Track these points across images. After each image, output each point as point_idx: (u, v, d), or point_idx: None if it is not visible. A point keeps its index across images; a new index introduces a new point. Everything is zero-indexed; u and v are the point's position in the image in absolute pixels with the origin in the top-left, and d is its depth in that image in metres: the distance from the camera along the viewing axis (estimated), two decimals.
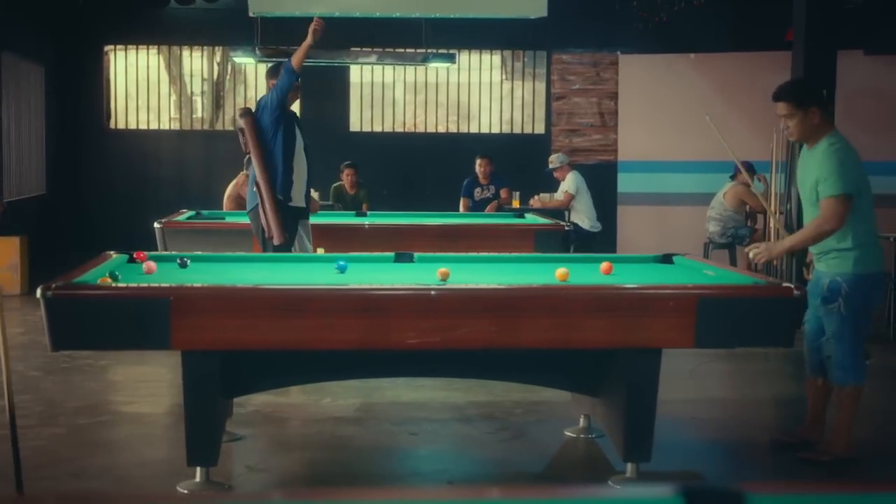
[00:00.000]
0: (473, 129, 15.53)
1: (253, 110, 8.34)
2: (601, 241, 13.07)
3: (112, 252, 6.49)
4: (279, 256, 6.85)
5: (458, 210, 12.96)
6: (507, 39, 14.94)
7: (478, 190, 13.15)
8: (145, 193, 14.70)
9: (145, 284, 5.37)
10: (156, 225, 9.22)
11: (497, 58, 15.46)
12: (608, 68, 15.03)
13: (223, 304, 5.23)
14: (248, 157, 12.73)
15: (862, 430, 6.44)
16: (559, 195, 13.28)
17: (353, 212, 11.13)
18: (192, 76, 15.87)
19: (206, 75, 15.95)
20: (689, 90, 14.45)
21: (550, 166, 13.22)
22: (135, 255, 6.46)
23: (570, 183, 13.27)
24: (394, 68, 14.87)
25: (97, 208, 14.61)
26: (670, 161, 14.58)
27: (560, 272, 5.86)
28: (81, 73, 14.79)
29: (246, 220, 9.84)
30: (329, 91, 15.09)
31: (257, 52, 10.76)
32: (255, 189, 8.23)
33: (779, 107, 6.17)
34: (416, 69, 14.81)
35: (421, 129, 15.54)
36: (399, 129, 15.45)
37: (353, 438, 6.59)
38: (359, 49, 12.07)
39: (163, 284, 5.41)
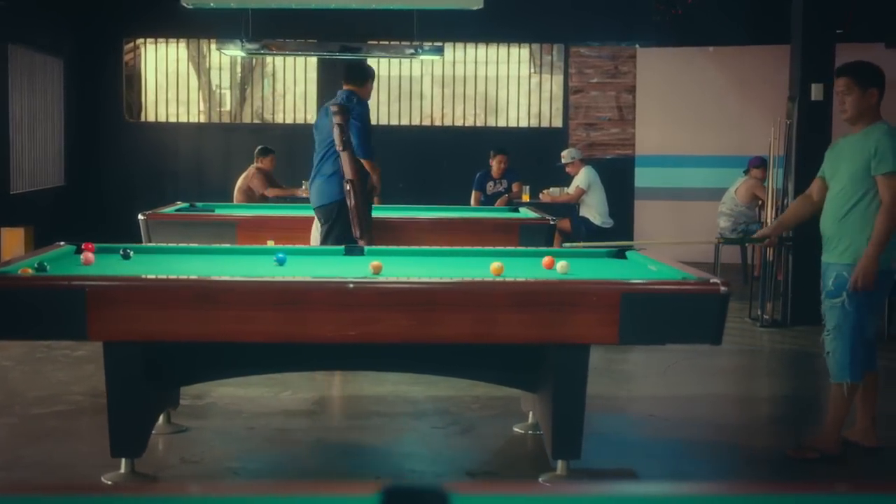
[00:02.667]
0: (490, 123, 15.45)
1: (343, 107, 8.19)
2: (615, 237, 12.92)
3: (62, 242, 6.52)
4: (225, 249, 6.83)
5: (469, 203, 12.89)
6: (524, 33, 14.85)
7: (490, 184, 13.07)
8: (164, 185, 14.79)
9: (63, 275, 5.38)
10: (140, 217, 9.25)
11: (516, 51, 15.37)
12: (626, 62, 14.88)
13: (138, 295, 5.24)
14: (260, 148, 12.86)
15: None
16: (571, 190, 13.18)
17: None
18: (210, 69, 15.95)
19: (229, 68, 16.03)
20: (708, 84, 14.29)
21: (562, 161, 13.13)
22: (83, 246, 6.47)
23: (582, 178, 13.16)
24: (410, 61, 14.83)
25: (115, 200, 14.71)
26: (687, 156, 14.42)
27: (494, 266, 5.80)
28: (101, 66, 14.90)
29: (231, 212, 9.91)
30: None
31: (244, 45, 10.75)
32: (329, 185, 8.20)
33: (838, 82, 6.11)
34: (430, 62, 14.75)
35: (439, 122, 15.51)
36: (416, 122, 15.42)
37: (299, 432, 6.57)
38: (340, 44, 12.07)
39: (79, 275, 5.41)
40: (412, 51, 11.05)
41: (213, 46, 15.45)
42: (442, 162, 14.96)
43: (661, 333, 5.50)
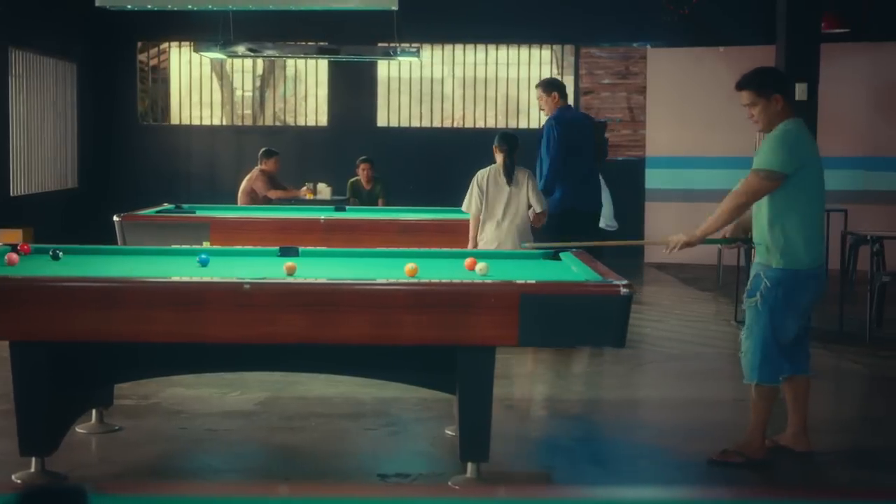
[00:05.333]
0: (511, 124, 15.38)
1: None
2: (623, 238, 12.79)
3: None
4: (157, 250, 6.85)
5: None
6: (535, 34, 14.78)
7: None
8: (177, 188, 14.87)
9: None
10: (115, 218, 9.35)
11: (537, 52, 15.30)
12: (638, 62, 14.76)
13: (35, 296, 5.29)
14: (264, 150, 12.90)
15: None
16: None
17: (333, 207, 11.11)
18: (223, 72, 16.05)
19: (241, 71, 16.13)
20: (719, 84, 14.11)
21: None
22: (19, 247, 6.55)
23: None
24: (425, 61, 14.83)
25: (128, 202, 14.79)
26: (698, 157, 14.27)
27: (408, 267, 5.79)
28: (114, 69, 15.06)
29: (208, 213, 9.96)
30: (357, 85, 15.13)
31: (223, 46, 10.82)
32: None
33: (742, 96, 6.09)
34: (446, 63, 14.74)
35: (459, 124, 15.50)
36: (438, 123, 15.41)
37: (230, 433, 6.59)
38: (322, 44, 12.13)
39: None
40: (389, 53, 11.03)
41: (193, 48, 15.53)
42: (455, 163, 14.91)
43: (562, 335, 5.44)
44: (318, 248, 6.86)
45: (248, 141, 15.19)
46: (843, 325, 9.70)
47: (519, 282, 5.42)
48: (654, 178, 14.51)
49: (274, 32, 13.96)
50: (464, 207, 8.81)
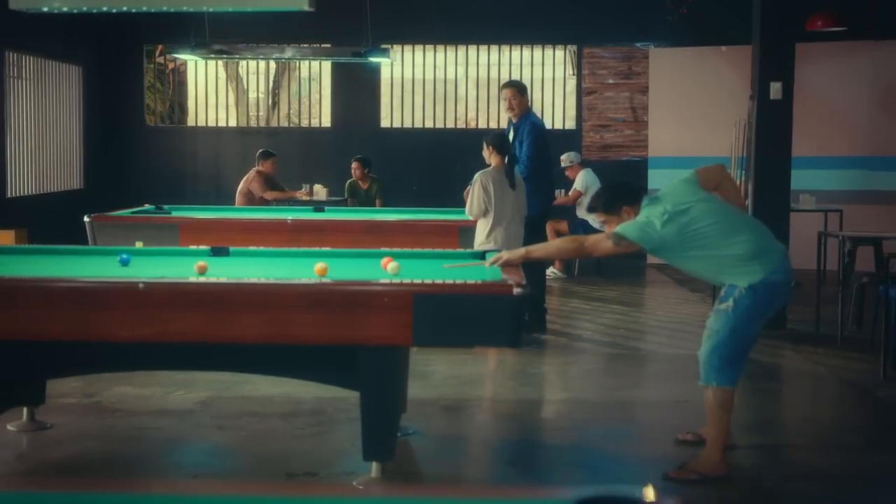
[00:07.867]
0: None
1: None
2: None
3: None
4: (87, 249, 6.92)
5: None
6: (538, 34, 14.73)
7: None
8: (183, 189, 15.00)
9: None
10: (85, 219, 9.44)
11: (551, 52, 15.26)
12: (641, 62, 14.67)
13: None
14: (261, 151, 12.97)
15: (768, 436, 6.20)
16: (570, 193, 13.14)
17: (311, 207, 11.14)
18: (235, 74, 16.15)
19: (260, 73, 16.25)
20: (721, 84, 14.00)
21: (562, 165, 13.06)
22: None
23: (579, 181, 13.12)
24: (432, 62, 14.84)
25: (134, 203, 14.96)
26: (701, 157, 14.11)
27: (318, 267, 5.81)
28: (121, 72, 15.21)
29: (179, 214, 10.04)
30: (360, 87, 15.17)
31: (194, 47, 10.89)
32: None
33: (598, 218, 6.19)
34: (458, 63, 14.72)
35: (473, 125, 15.50)
36: (430, 125, 15.42)
37: (157, 431, 6.62)
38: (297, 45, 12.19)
39: None
40: (355, 53, 11.07)
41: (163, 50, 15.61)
42: (458, 164, 14.91)
43: (456, 335, 5.40)
44: (251, 248, 6.89)
45: (254, 142, 15.25)
46: (819, 326, 9.59)
47: (412, 281, 5.41)
48: (656, 179, 14.39)
49: (283, 34, 13.98)
50: (469, 211, 8.81)
